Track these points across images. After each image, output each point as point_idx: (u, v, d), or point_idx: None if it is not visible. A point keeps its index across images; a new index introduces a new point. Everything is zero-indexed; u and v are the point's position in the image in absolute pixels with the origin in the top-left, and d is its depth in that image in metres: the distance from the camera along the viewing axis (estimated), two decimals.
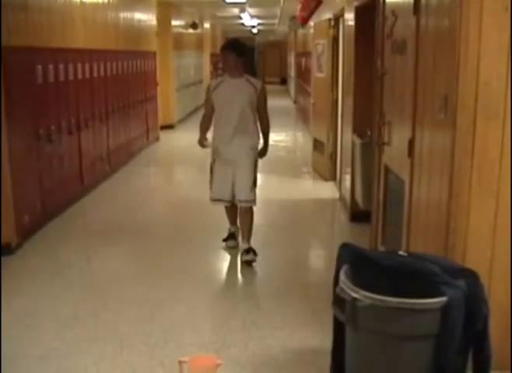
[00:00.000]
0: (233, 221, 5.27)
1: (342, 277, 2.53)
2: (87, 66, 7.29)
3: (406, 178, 3.55)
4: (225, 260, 5.06)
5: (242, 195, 4.88)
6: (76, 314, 4.00)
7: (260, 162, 5.08)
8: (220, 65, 27.54)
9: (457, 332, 2.33)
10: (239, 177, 4.87)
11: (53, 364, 3.33)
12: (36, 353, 3.44)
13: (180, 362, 2.94)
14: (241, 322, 3.81)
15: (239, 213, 5.03)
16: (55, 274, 4.71)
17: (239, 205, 4.97)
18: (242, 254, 4.88)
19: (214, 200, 5.06)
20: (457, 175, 2.75)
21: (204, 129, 5.11)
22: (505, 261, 2.81)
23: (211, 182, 5.04)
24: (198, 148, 5.15)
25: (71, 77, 6.69)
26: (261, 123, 5.06)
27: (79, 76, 6.99)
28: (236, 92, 4.83)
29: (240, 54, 4.85)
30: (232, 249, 5.15)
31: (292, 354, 3.44)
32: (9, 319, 3.80)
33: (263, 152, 5.15)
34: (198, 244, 5.50)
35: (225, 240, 5.27)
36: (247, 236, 4.97)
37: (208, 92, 4.97)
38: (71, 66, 6.67)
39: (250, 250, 4.87)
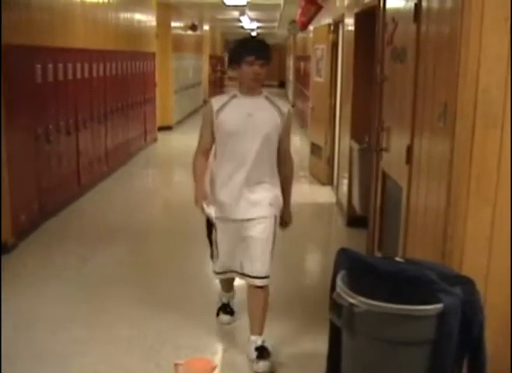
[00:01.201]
0: (228, 287, 3.91)
1: (339, 282, 2.54)
2: (86, 66, 7.30)
3: (404, 184, 3.56)
4: None
5: (255, 269, 3.36)
6: (72, 315, 4.00)
7: None
8: (228, 73, 27.02)
9: (454, 339, 2.34)
10: (254, 247, 3.34)
11: (48, 366, 3.34)
12: (32, 354, 3.44)
13: (176, 364, 2.94)
14: (237, 326, 3.82)
15: (248, 294, 3.47)
16: (51, 274, 4.71)
17: (248, 282, 3.43)
18: (255, 360, 3.32)
19: (219, 273, 3.60)
20: (456, 182, 2.76)
21: (200, 173, 3.44)
22: (501, 269, 2.82)
23: (213, 254, 3.52)
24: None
25: (70, 77, 6.71)
26: (283, 167, 3.47)
27: (78, 76, 7.01)
28: (255, 117, 3.27)
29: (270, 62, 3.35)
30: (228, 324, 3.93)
31: (288, 358, 3.44)
32: (4, 320, 3.79)
33: (287, 218, 3.58)
34: (195, 246, 5.48)
35: (217, 314, 3.94)
36: (260, 327, 3.43)
37: (209, 113, 3.33)
38: (70, 66, 6.69)
39: (264, 351, 3.35)
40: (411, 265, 2.62)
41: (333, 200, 7.25)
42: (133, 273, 4.84)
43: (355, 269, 2.55)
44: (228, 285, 3.88)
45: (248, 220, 3.32)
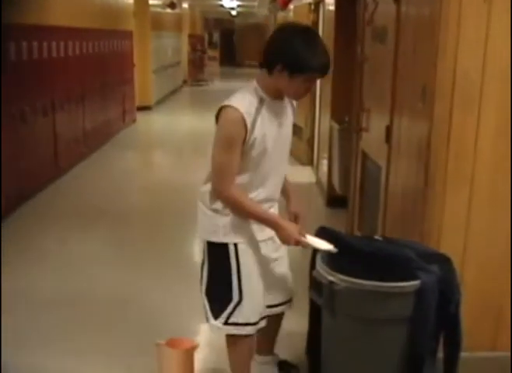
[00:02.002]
0: (249, 365, 2.87)
1: (319, 260, 2.57)
2: (62, 45, 7.17)
3: (383, 164, 3.59)
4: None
5: (285, 293, 2.90)
6: (52, 298, 3.99)
7: None
8: (208, 52, 26.23)
9: (431, 315, 2.39)
10: (280, 268, 2.84)
11: (28, 350, 3.33)
12: (14, 338, 3.43)
13: (158, 345, 2.95)
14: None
15: (272, 322, 2.90)
16: (29, 258, 4.68)
17: (273, 312, 2.87)
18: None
19: (252, 324, 2.68)
20: (434, 162, 2.79)
21: (255, 205, 2.57)
22: (478, 247, 2.87)
23: (240, 291, 2.63)
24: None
25: (45, 55, 6.57)
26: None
27: (54, 55, 6.88)
28: (283, 126, 2.63)
29: None
30: None
31: None
32: None
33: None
34: (176, 228, 5.50)
35: None
36: (274, 346, 3.14)
37: (240, 130, 2.44)
38: (45, 44, 6.56)
39: (292, 365, 3.13)
40: (389, 243, 2.66)
41: (313, 180, 7.28)
42: (114, 255, 4.83)
43: (334, 247, 2.58)
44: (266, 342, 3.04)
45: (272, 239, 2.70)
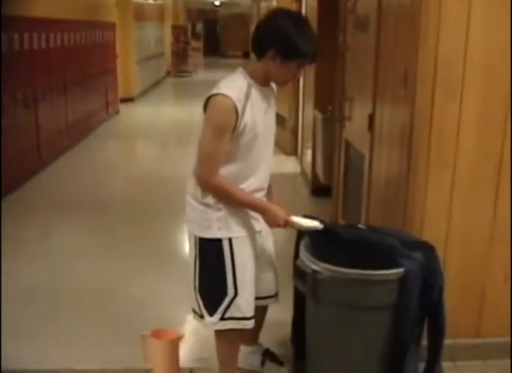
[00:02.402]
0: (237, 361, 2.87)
1: (303, 249, 2.57)
2: (44, 36, 7.10)
3: (366, 152, 3.59)
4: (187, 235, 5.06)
5: (273, 286, 2.89)
6: (35, 289, 3.97)
7: None
8: (191, 43, 26.01)
9: (414, 302, 2.40)
10: (269, 258, 2.84)
11: (12, 341, 3.31)
12: None
13: (143, 336, 2.95)
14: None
15: (258, 313, 2.81)
16: (13, 249, 4.65)
17: (261, 304, 2.86)
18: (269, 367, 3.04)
19: (247, 318, 2.64)
20: (416, 149, 2.80)
21: (239, 189, 2.52)
22: (460, 234, 2.89)
23: (234, 286, 2.58)
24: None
25: (26, 47, 6.51)
26: None
27: (35, 46, 6.81)
28: (268, 113, 2.61)
29: None
30: None
31: None
32: None
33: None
34: (160, 218, 5.49)
35: None
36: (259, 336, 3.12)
37: (231, 117, 2.39)
38: (26, 36, 6.49)
39: (276, 355, 3.09)
40: (372, 232, 2.67)
41: (297, 170, 7.28)
42: (97, 246, 4.81)
43: (318, 236, 2.58)
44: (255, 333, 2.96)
45: (262, 230, 2.72)
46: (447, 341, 2.59)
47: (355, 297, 2.44)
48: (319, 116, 5.75)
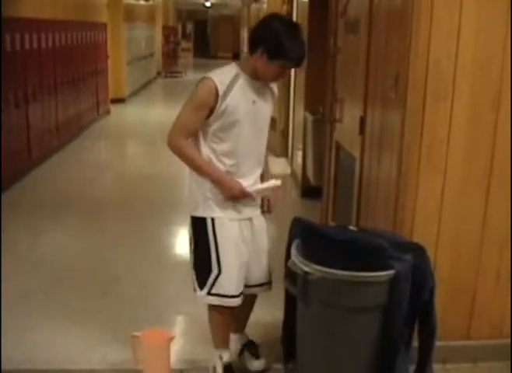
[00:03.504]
0: (228, 338, 3.02)
1: (294, 251, 2.58)
2: (35, 36, 7.08)
3: (357, 154, 3.61)
4: (178, 235, 5.06)
5: (263, 275, 2.96)
6: (26, 290, 3.95)
7: None
8: (181, 44, 26.01)
9: (405, 304, 2.41)
10: (260, 247, 2.94)
11: (3, 342, 3.29)
12: None
13: (134, 336, 2.95)
14: (195, 297, 3.83)
15: (245, 302, 2.94)
16: (3, 250, 4.63)
17: (250, 292, 3.00)
18: (248, 358, 3.11)
19: (229, 296, 2.80)
20: (407, 152, 2.81)
21: (200, 157, 2.76)
22: (450, 235, 2.91)
23: (218, 264, 2.78)
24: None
25: (18, 47, 6.50)
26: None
27: (27, 47, 6.80)
28: (258, 105, 2.77)
29: None
30: None
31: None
32: None
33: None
34: (151, 218, 5.48)
35: None
36: (245, 326, 3.23)
37: (210, 96, 2.66)
38: (18, 36, 6.48)
39: (256, 347, 3.16)
40: (363, 233, 2.68)
41: (288, 171, 7.29)
42: (88, 246, 4.80)
43: (309, 238, 2.59)
44: (228, 329, 3.01)
45: (253, 218, 2.90)
46: (437, 343, 2.60)
47: (345, 298, 2.45)
48: (310, 117, 5.77)
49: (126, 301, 3.81)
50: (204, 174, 2.75)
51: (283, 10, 7.80)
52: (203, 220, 2.79)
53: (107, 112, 11.65)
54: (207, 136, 2.74)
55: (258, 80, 2.75)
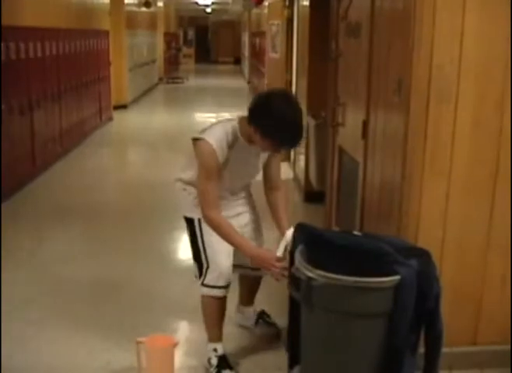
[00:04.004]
0: (221, 331, 3.18)
1: (298, 256, 2.56)
2: (39, 45, 7.11)
3: (360, 159, 3.59)
4: (180, 241, 5.05)
5: None
6: (28, 297, 3.95)
7: None
8: (182, 50, 26.34)
9: (410, 310, 2.39)
10: (251, 233, 3.20)
11: (5, 349, 3.28)
12: None
13: (138, 342, 2.94)
14: (198, 302, 3.81)
15: (251, 283, 3.42)
16: (5, 257, 4.62)
17: (248, 274, 3.33)
18: (263, 325, 3.48)
19: (217, 287, 3.05)
20: (410, 157, 2.80)
21: (235, 231, 2.98)
22: (455, 240, 2.88)
23: (206, 258, 3.04)
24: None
25: (22, 56, 6.53)
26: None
27: (31, 55, 6.83)
28: (249, 164, 3.05)
29: None
30: None
31: (249, 333, 3.48)
32: None
33: None
34: (152, 225, 5.48)
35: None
36: (253, 299, 3.55)
37: (216, 163, 2.85)
38: (22, 45, 6.50)
39: (268, 315, 3.52)
40: (368, 238, 2.66)
41: (290, 176, 7.28)
42: (90, 253, 4.79)
43: (312, 243, 2.58)
44: (222, 316, 3.15)
45: (245, 211, 3.21)
46: (443, 349, 2.58)
47: (350, 304, 2.43)
48: (312, 122, 5.76)
49: (128, 307, 3.80)
50: (241, 248, 2.95)
51: (284, 15, 7.81)
52: (192, 220, 3.06)
53: (110, 118, 11.66)
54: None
55: (254, 145, 2.88)
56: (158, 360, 2.92)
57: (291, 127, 2.76)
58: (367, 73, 3.44)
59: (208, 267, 3.03)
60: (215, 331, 3.14)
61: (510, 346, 2.99)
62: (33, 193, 6.57)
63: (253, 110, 2.80)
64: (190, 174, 3.02)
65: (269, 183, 3.19)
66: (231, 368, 3.10)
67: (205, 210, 2.92)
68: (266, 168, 3.14)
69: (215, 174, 2.86)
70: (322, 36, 5.15)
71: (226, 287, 3.06)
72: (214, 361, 3.10)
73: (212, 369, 3.09)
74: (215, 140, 2.83)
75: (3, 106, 5.90)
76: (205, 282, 3.05)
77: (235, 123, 2.91)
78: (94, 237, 5.21)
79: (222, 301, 3.09)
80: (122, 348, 3.28)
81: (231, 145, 2.86)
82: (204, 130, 2.91)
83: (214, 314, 3.12)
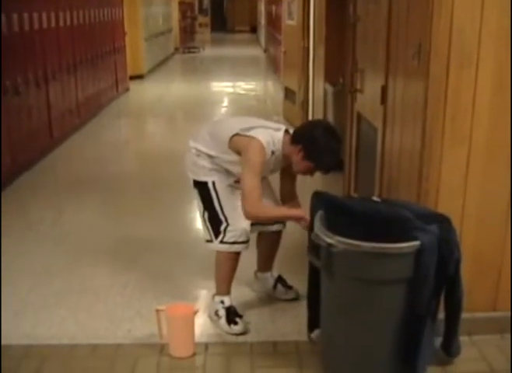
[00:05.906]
0: (231, 285, 3.30)
1: (317, 223, 2.56)
2: (53, 15, 7.07)
3: (379, 125, 3.56)
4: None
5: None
6: (50, 268, 3.99)
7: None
8: (198, 19, 26.04)
9: (430, 276, 2.39)
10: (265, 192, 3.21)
11: (29, 318, 3.33)
12: (12, 308, 3.43)
13: (158, 310, 2.97)
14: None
15: (269, 241, 3.47)
16: (27, 229, 4.67)
17: (268, 230, 3.40)
18: (281, 290, 3.52)
19: (239, 242, 3.16)
20: (430, 122, 2.76)
21: (277, 208, 3.31)
22: (476, 206, 2.85)
23: (225, 218, 3.16)
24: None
25: (36, 27, 6.48)
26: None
27: (45, 26, 6.79)
28: (277, 168, 3.28)
29: None
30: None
31: (269, 302, 3.49)
32: None
33: None
34: (171, 195, 5.49)
35: (229, 322, 3.17)
36: (272, 264, 3.60)
37: (264, 159, 3.04)
38: (36, 15, 6.46)
39: (285, 280, 3.55)
40: (387, 204, 2.65)
41: None
42: (110, 224, 4.82)
43: (331, 211, 2.57)
44: (234, 271, 3.26)
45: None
46: (463, 315, 2.58)
47: (370, 270, 2.43)
48: (330, 88, 5.71)
49: (149, 277, 3.83)
50: (285, 218, 3.25)
51: None
52: (205, 183, 3.20)
53: (126, 89, 11.64)
54: (220, 160, 3.17)
55: (286, 161, 3.15)
56: (179, 327, 2.95)
57: (333, 156, 3.05)
58: (386, 38, 3.38)
59: (227, 225, 3.13)
60: (225, 286, 3.26)
61: None
62: (52, 164, 6.61)
63: (298, 133, 3.09)
64: (213, 153, 3.17)
65: (286, 196, 3.40)
66: (240, 316, 3.20)
67: (253, 205, 3.00)
68: (284, 183, 3.40)
69: (261, 172, 3.04)
70: (339, 1, 5.07)
71: (247, 241, 3.18)
72: (221, 313, 3.20)
73: (221, 320, 3.19)
74: (265, 142, 3.03)
75: (19, 79, 5.91)
76: (225, 240, 3.15)
77: (280, 136, 3.10)
78: (114, 208, 5.23)
79: (238, 257, 3.22)
80: (143, 317, 3.31)
81: (272, 153, 3.07)
82: (248, 129, 3.06)
83: (228, 269, 3.23)
